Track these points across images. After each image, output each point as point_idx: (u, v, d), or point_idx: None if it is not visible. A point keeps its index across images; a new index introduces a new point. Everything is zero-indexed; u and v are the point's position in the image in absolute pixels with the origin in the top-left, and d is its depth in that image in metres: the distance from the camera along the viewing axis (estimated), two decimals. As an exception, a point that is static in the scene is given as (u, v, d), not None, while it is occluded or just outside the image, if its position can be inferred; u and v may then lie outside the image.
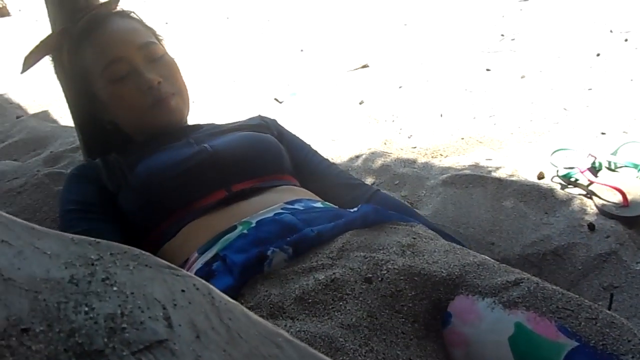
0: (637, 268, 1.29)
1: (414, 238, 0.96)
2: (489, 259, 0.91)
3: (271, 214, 0.98)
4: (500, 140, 2.01)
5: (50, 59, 1.27)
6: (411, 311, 0.81)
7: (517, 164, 1.83)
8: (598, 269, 1.32)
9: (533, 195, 1.60)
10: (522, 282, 0.82)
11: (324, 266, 0.87)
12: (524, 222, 1.50)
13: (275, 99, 2.56)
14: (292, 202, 1.04)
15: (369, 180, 1.77)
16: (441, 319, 0.82)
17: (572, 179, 1.64)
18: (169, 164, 1.06)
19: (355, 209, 1.04)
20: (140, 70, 1.13)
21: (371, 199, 1.19)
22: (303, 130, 2.14)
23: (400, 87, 2.63)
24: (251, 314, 0.33)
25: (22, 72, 1.19)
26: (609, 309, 1.20)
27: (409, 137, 2.11)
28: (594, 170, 1.64)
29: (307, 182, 1.20)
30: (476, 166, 1.80)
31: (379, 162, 1.86)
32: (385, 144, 2.01)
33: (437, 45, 3.44)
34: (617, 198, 1.49)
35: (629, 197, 1.48)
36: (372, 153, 1.94)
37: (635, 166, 1.62)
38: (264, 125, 1.28)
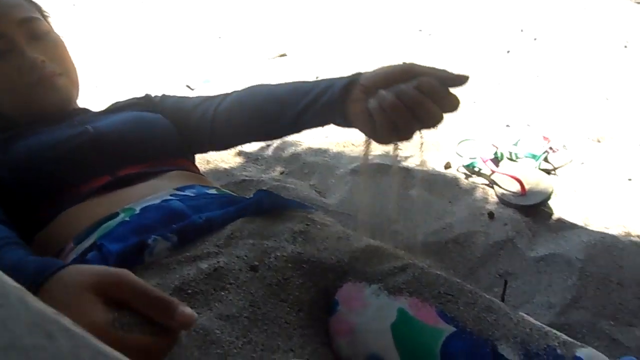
0: (531, 255, 1.34)
1: (308, 225, 0.93)
2: (383, 245, 0.89)
3: (158, 200, 0.91)
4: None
5: None
6: (297, 300, 0.77)
7: (426, 153, 1.85)
8: (495, 256, 1.35)
9: (438, 185, 1.63)
10: (407, 268, 0.80)
11: (209, 255, 0.81)
12: (428, 210, 1.52)
13: (187, 86, 2.46)
14: (182, 188, 0.97)
15: (277, 169, 1.73)
16: (328, 307, 0.79)
17: (476, 169, 1.68)
18: (49, 144, 0.96)
19: (251, 195, 0.99)
20: (22, 47, 1.02)
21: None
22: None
23: (317, 77, 2.60)
24: (32, 299, 0.28)
25: None
26: (503, 296, 1.23)
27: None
28: (496, 160, 1.68)
29: (213, 128, 1.06)
30: (386, 156, 1.80)
31: (290, 150, 1.83)
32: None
33: (355, 36, 3.45)
34: (516, 187, 1.54)
35: (527, 186, 1.53)
36: (284, 142, 1.90)
37: (534, 157, 1.68)
38: (151, 103, 1.19)
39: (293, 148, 1.84)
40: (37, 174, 0.95)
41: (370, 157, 0.98)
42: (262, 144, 1.90)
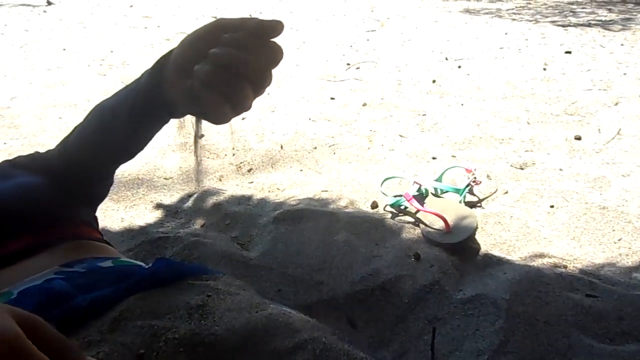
0: (458, 297, 1.30)
1: (208, 296, 0.84)
2: (285, 313, 0.82)
3: (40, 281, 0.81)
4: (338, 170, 1.99)
5: None
6: (189, 392, 0.69)
7: (353, 194, 1.81)
8: (423, 301, 1.30)
9: (364, 227, 1.58)
10: (308, 345, 0.73)
11: (91, 344, 0.71)
12: (355, 256, 1.46)
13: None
14: (70, 264, 0.87)
15: (198, 222, 1.64)
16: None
17: (402, 207, 1.65)
18: None
19: (150, 264, 0.90)
20: None
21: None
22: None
23: (243, 118, 2.54)
24: None
25: None
26: (432, 344, 1.18)
27: (248, 171, 2.02)
28: (421, 197, 1.66)
29: (70, 161, 0.97)
30: (311, 200, 1.75)
31: (211, 201, 1.74)
32: (220, 180, 1.90)
33: (284, 73, 3.43)
34: (440, 224, 1.51)
35: (451, 223, 1.50)
36: (205, 192, 1.81)
37: (457, 191, 1.67)
38: (34, 164, 1.07)
39: (215, 197, 1.76)
40: None
41: (200, 136, 0.85)
42: (182, 194, 1.81)
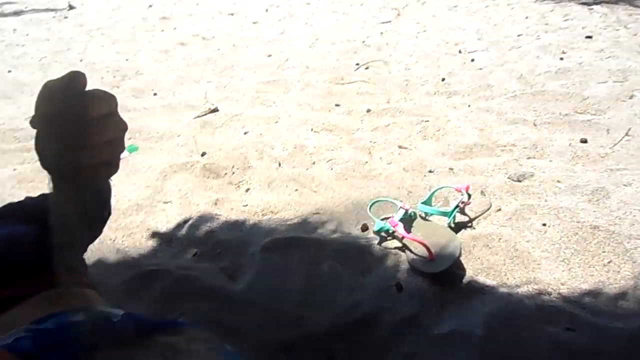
0: (436, 332, 1.30)
1: (166, 357, 0.88)
2: None
3: (10, 340, 0.86)
4: (333, 189, 2.00)
5: None
6: None
7: (345, 215, 1.82)
8: (402, 335, 1.32)
9: (351, 254, 1.60)
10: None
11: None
12: (338, 286, 1.48)
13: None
14: (40, 320, 0.92)
15: (190, 252, 1.69)
16: None
17: (390, 231, 1.65)
18: None
19: (119, 317, 0.94)
20: None
21: None
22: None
23: (245, 132, 2.57)
24: None
25: None
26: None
27: (246, 191, 2.05)
28: (410, 219, 1.66)
29: None
30: (300, 224, 1.77)
31: (205, 227, 1.79)
32: (215, 204, 1.94)
33: (294, 77, 3.43)
34: (425, 252, 1.51)
35: (434, 250, 1.50)
36: (201, 217, 1.86)
37: (444, 214, 1.66)
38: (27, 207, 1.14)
39: (208, 224, 1.81)
40: None
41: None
42: (178, 220, 1.86)
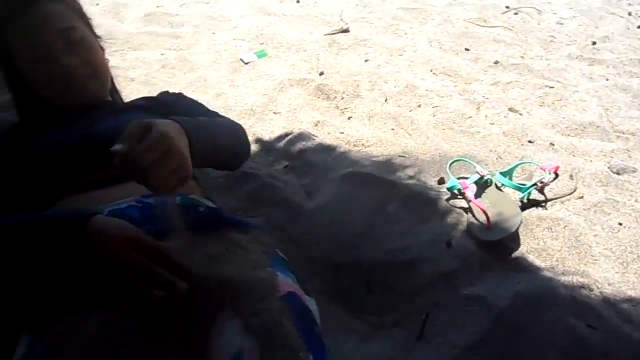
0: (464, 292, 1.43)
1: (227, 249, 1.12)
2: (265, 277, 1.05)
3: (124, 205, 1.15)
4: (427, 135, 2.08)
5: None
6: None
7: (428, 164, 1.92)
8: (434, 285, 1.46)
9: (417, 203, 1.72)
10: (264, 312, 0.98)
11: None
12: (396, 228, 1.63)
13: (241, 59, 2.66)
14: (148, 195, 1.20)
15: (283, 163, 1.92)
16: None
17: (461, 191, 1.73)
18: (56, 145, 1.23)
19: (204, 208, 1.18)
20: (57, 55, 1.28)
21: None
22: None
23: (366, 60, 2.67)
24: None
25: None
26: (423, 325, 1.36)
27: (348, 119, 2.21)
28: (485, 185, 1.72)
29: None
30: (384, 163, 1.91)
31: (299, 145, 2.00)
32: (316, 125, 2.12)
33: (432, 9, 3.37)
34: (484, 218, 1.59)
35: (493, 219, 1.58)
36: (300, 134, 2.06)
37: (519, 188, 1.70)
38: (163, 104, 1.41)
39: (304, 143, 2.01)
40: (46, 169, 1.22)
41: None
42: (280, 132, 2.08)
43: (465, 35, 3.03)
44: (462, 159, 1.86)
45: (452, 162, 1.84)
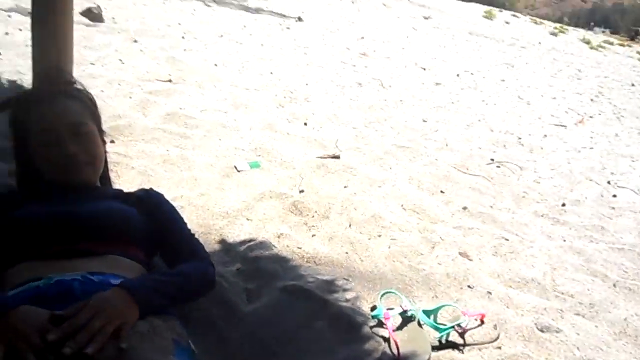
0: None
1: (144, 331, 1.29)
2: None
3: (69, 278, 1.34)
4: (377, 265, 2.26)
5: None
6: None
7: (367, 291, 2.08)
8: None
9: (345, 324, 1.86)
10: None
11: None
12: (317, 344, 1.77)
13: (234, 167, 2.95)
14: (94, 273, 1.39)
15: (236, 265, 2.11)
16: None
17: (383, 320, 1.87)
18: (39, 216, 1.46)
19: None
20: (64, 142, 1.55)
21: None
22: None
23: (345, 187, 2.92)
24: None
25: None
26: None
27: (311, 236, 2.42)
28: (408, 319, 1.87)
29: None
30: (327, 283, 2.07)
31: (258, 252, 2.20)
32: (279, 237, 2.33)
33: (424, 152, 3.67)
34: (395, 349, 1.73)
35: (403, 353, 1.71)
36: (261, 242, 2.27)
37: (436, 328, 1.84)
38: (140, 202, 1.66)
39: (261, 251, 2.18)
40: (21, 233, 1.44)
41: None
42: (245, 237, 2.29)
43: (446, 179, 3.29)
44: (392, 291, 2.02)
45: (384, 293, 2.00)
